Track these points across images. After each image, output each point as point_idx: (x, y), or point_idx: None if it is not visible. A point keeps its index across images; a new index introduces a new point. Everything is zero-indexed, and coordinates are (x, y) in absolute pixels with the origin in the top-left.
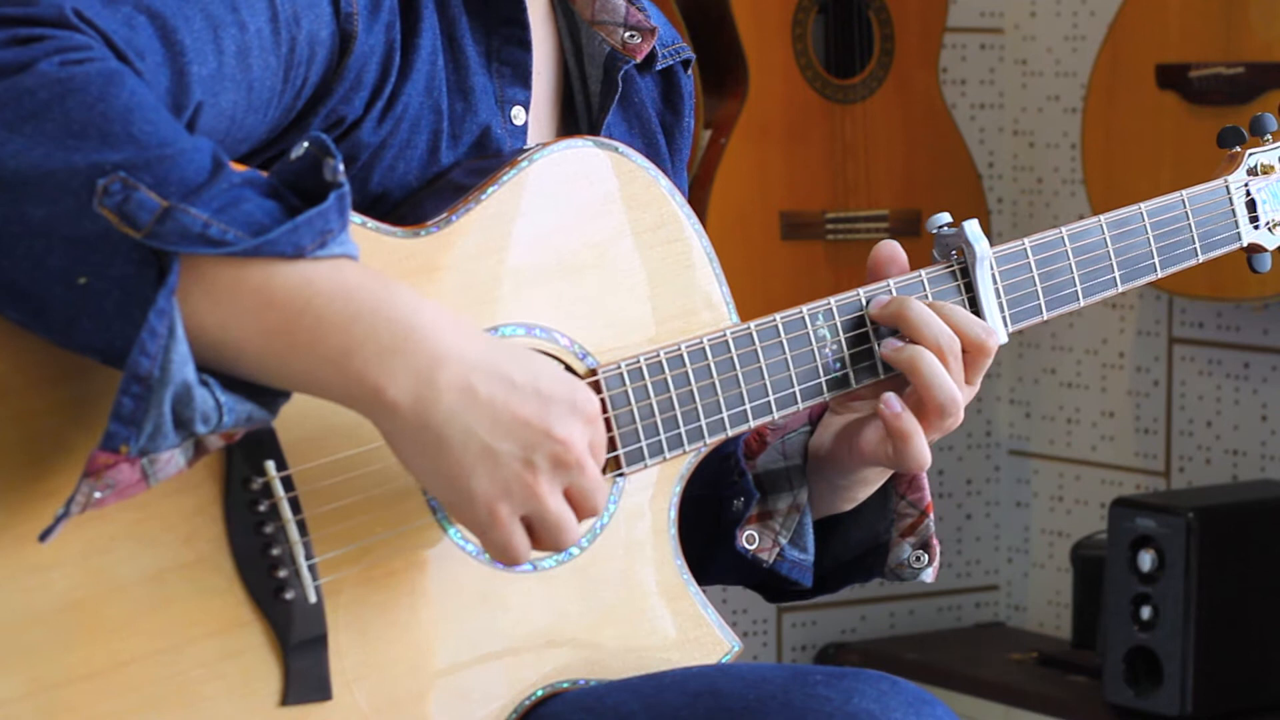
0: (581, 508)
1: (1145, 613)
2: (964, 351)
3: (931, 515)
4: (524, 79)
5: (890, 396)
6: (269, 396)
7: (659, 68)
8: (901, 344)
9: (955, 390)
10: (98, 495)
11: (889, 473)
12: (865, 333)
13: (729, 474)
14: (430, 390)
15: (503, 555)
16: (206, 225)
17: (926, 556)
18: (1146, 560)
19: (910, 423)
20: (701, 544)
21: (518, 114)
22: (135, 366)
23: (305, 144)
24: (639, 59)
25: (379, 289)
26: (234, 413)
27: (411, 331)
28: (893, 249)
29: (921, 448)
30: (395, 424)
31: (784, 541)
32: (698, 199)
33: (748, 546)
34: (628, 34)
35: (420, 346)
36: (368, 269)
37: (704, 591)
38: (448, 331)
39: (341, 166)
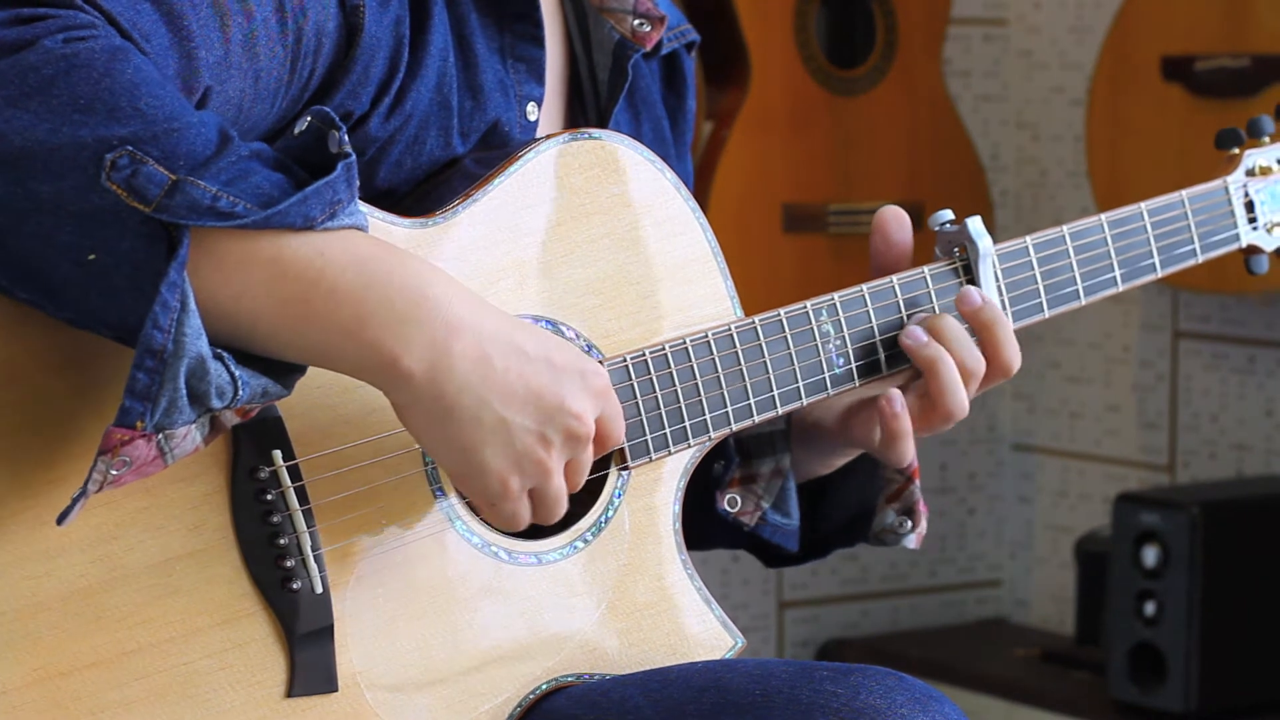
0: (570, 482)
1: (1149, 608)
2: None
3: (917, 481)
4: (538, 75)
5: (893, 395)
6: (284, 371)
7: (664, 52)
8: (927, 339)
9: (966, 402)
10: (114, 473)
11: None
12: (869, 328)
13: None
14: (445, 359)
15: (507, 526)
16: (215, 198)
17: (910, 522)
18: (1151, 556)
19: (905, 425)
20: (691, 510)
21: (532, 110)
22: (148, 340)
23: (308, 118)
24: (649, 47)
25: (391, 258)
26: (249, 386)
27: (425, 300)
28: (899, 217)
29: (909, 448)
30: (409, 394)
31: (766, 505)
32: (699, 191)
33: (729, 509)
34: (637, 21)
35: (434, 315)
36: (379, 239)
37: (707, 587)
38: (461, 302)
39: (346, 137)
